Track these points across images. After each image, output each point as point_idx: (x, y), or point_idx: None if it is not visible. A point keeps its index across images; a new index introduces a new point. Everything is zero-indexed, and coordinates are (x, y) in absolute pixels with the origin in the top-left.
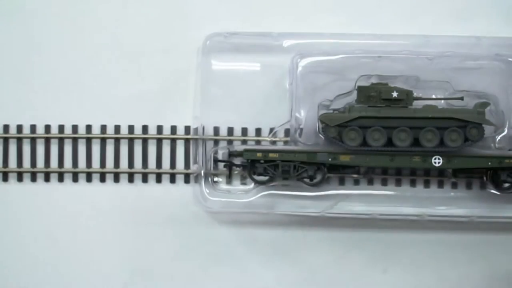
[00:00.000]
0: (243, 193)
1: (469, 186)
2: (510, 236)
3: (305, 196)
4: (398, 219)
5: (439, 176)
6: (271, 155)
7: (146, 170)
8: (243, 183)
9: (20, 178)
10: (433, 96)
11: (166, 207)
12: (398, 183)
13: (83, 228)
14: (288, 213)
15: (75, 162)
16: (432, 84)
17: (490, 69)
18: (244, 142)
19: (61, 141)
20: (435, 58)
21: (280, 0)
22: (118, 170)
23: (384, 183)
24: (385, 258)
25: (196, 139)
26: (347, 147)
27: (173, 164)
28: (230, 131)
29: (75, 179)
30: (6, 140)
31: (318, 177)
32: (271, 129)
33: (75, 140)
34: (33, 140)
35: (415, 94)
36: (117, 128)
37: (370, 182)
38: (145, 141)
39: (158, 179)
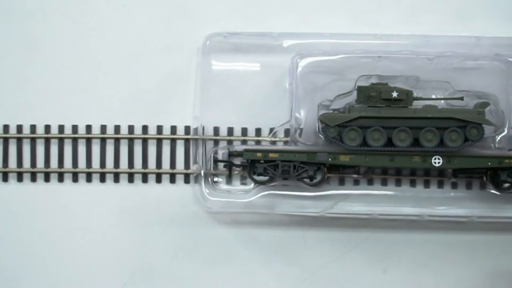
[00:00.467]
0: (243, 193)
1: (469, 186)
2: (510, 236)
3: (305, 196)
4: (398, 219)
5: (439, 176)
6: (271, 155)
7: (146, 170)
8: (243, 183)
9: (20, 178)
10: (433, 96)
11: (166, 207)
12: (398, 183)
13: (83, 228)
14: (288, 213)
15: (75, 162)
16: (432, 84)
17: (490, 69)
18: (244, 142)
19: (61, 141)
20: (435, 58)
21: (280, 0)
22: (118, 170)
23: (384, 183)
24: (385, 258)
25: (196, 139)
26: (347, 147)
27: (173, 164)
28: (230, 131)
29: (75, 179)
30: (6, 140)
31: (318, 177)
32: (271, 129)
33: (75, 140)
34: (33, 140)
35: (415, 94)
36: (117, 128)
37: (370, 182)
38: (145, 141)
39: (158, 179)
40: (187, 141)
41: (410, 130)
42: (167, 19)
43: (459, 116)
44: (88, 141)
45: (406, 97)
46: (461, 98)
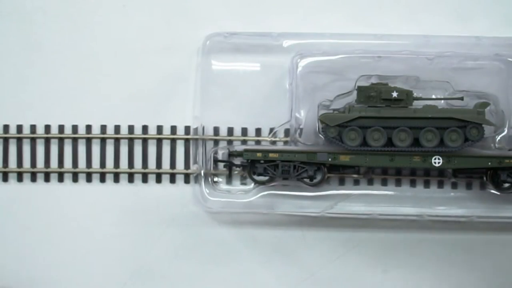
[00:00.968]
0: (243, 193)
1: (469, 186)
2: (510, 236)
3: (305, 196)
4: (398, 219)
5: (439, 176)
6: (271, 155)
7: (146, 170)
8: (243, 183)
9: (20, 178)
10: (433, 96)
11: (166, 207)
12: (398, 183)
13: (83, 228)
14: (288, 213)
15: (75, 162)
16: (432, 84)
17: (490, 69)
18: (244, 142)
19: (61, 141)
20: (435, 58)
21: (280, 0)
22: (118, 170)
23: (384, 183)
24: (385, 258)
25: (196, 139)
26: (347, 147)
27: (173, 164)
28: (230, 131)
29: (75, 179)
30: (6, 140)
31: (318, 177)
32: (271, 129)
33: (75, 140)
34: (33, 140)
35: (415, 94)
36: (117, 128)
37: (370, 182)
38: (145, 141)
39: (158, 179)
40: (187, 141)
41: (410, 130)
42: (167, 19)
43: (459, 116)
44: (88, 141)
45: (406, 97)
46: (461, 98)
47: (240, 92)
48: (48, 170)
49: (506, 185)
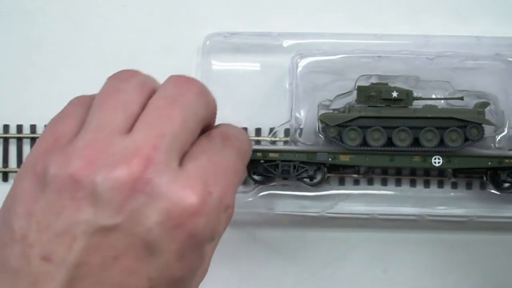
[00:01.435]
0: (243, 193)
1: (469, 186)
2: (510, 236)
3: (305, 196)
4: (398, 219)
5: (439, 176)
6: (271, 155)
7: None
8: (243, 183)
9: None
10: (433, 96)
11: None
12: (398, 183)
13: None
14: (288, 213)
15: None
16: (432, 84)
17: (490, 69)
18: None
19: None
20: (435, 58)
21: (280, 0)
22: None
23: (384, 183)
24: (385, 258)
25: None
26: (347, 147)
27: None
28: None
29: None
30: (6, 140)
31: (318, 177)
32: (271, 129)
33: None
34: (33, 140)
35: (415, 94)
36: None
37: (370, 182)
38: None
39: None
40: None
41: (410, 130)
42: (167, 19)
43: (459, 116)
44: None
45: (406, 97)
46: (461, 98)
47: (240, 92)
48: None
49: (506, 185)
